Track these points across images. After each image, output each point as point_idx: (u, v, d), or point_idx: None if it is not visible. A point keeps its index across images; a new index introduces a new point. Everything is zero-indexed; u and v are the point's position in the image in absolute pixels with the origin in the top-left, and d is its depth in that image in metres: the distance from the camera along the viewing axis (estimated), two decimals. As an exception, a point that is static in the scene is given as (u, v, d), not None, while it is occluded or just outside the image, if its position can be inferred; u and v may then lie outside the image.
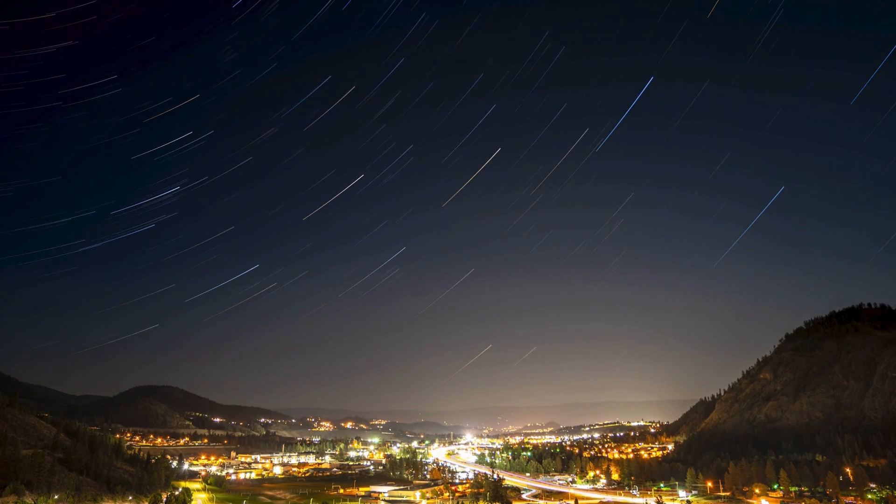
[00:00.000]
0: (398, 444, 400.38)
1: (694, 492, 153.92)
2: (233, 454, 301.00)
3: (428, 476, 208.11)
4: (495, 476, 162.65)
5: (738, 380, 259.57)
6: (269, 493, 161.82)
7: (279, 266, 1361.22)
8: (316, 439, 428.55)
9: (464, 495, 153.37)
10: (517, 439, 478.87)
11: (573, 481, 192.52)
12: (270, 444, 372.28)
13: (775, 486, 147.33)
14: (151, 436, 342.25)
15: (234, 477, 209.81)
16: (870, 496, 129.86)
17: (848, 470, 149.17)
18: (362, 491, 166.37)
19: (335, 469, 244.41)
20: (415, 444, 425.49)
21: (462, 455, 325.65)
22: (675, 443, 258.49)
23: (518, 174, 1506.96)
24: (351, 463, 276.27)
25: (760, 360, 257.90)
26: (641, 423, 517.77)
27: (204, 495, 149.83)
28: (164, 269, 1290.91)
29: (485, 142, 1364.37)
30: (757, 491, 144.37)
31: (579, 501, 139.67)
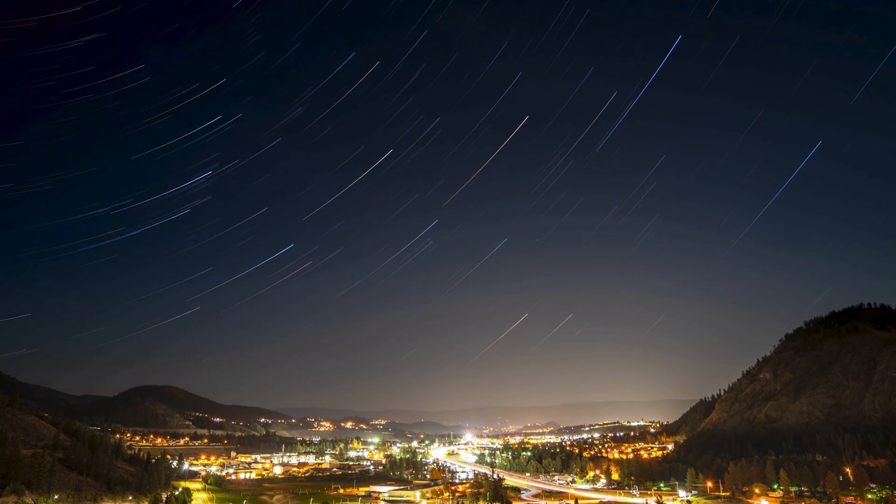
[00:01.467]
0: (398, 444, 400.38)
1: (694, 492, 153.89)
2: (233, 454, 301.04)
3: (428, 476, 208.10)
4: (495, 476, 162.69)
5: (738, 380, 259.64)
6: (266, 493, 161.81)
7: (314, 245, 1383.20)
8: (316, 439, 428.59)
9: (464, 495, 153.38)
10: (517, 439, 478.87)
11: (573, 481, 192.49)
12: (270, 444, 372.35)
13: (775, 486, 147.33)
14: (151, 436, 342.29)
15: (234, 477, 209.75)
16: (870, 496, 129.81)
17: (848, 470, 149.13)
18: (362, 491, 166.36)
19: (335, 469, 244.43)
20: (415, 444, 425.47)
21: (462, 455, 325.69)
22: (675, 443, 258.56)
23: (547, 141, 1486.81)
24: (351, 463, 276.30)
25: (760, 360, 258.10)
26: (641, 423, 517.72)
27: (204, 495, 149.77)
28: (201, 252, 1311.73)
29: (512, 110, 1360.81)
30: (757, 491, 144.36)
31: (579, 501, 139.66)
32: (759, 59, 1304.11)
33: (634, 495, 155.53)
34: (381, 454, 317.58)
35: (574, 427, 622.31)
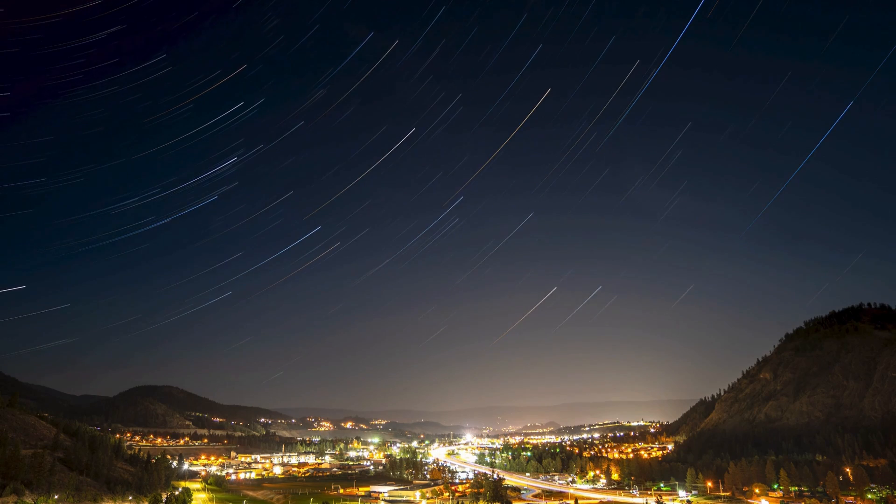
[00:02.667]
0: (398, 444, 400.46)
1: (694, 492, 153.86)
2: (233, 454, 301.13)
3: (428, 476, 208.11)
4: (495, 476, 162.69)
5: (738, 380, 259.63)
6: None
7: (341, 226, 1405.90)
8: (316, 439, 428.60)
9: (464, 495, 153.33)
10: (517, 439, 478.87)
11: (573, 481, 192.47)
12: (270, 444, 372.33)
13: (775, 486, 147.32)
14: (151, 436, 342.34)
15: (234, 477, 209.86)
16: (870, 496, 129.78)
17: (848, 470, 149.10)
18: (362, 491, 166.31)
19: (335, 469, 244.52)
20: (415, 444, 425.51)
21: (462, 455, 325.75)
22: (675, 443, 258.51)
23: (570, 113, 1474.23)
24: (351, 463, 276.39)
25: (760, 360, 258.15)
26: (641, 423, 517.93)
27: (204, 495, 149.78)
28: (231, 238, 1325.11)
29: (534, 83, 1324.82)
30: (757, 491, 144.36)
31: (579, 501, 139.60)
32: (784, 20, 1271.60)
33: (634, 495, 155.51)
34: (381, 454, 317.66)
35: (574, 427, 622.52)
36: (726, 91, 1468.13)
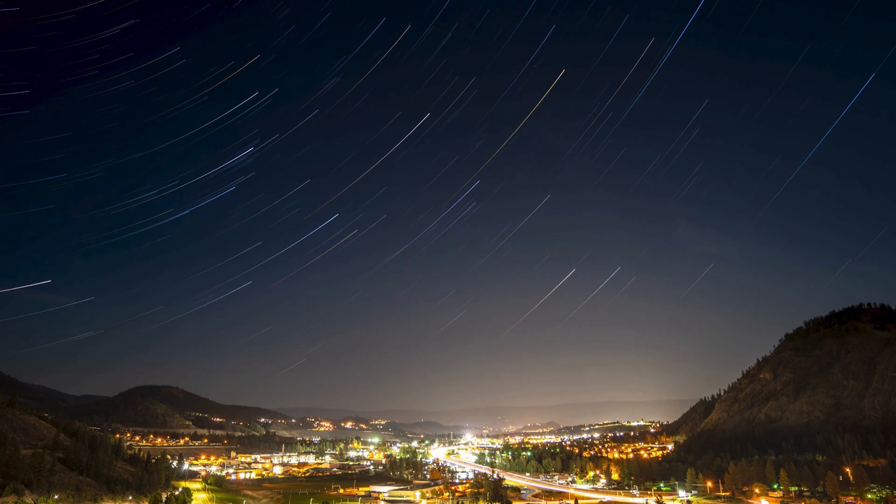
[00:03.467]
0: (398, 444, 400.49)
1: (694, 492, 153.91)
2: (233, 454, 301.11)
3: (428, 476, 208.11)
4: (495, 476, 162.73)
5: (738, 380, 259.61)
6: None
7: (358, 213, 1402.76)
8: (316, 439, 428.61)
9: (464, 495, 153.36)
10: (517, 439, 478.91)
11: (573, 481, 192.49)
12: (270, 444, 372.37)
13: (775, 486, 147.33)
14: (151, 436, 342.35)
15: (233, 477, 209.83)
16: (870, 496, 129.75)
17: (848, 470, 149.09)
18: (362, 491, 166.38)
19: (335, 469, 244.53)
20: (415, 444, 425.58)
21: (462, 455, 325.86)
22: (675, 443, 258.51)
23: (585, 94, 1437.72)
24: (351, 463, 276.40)
25: (760, 360, 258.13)
26: (641, 423, 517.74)
27: (204, 495, 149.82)
28: (249, 228, 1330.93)
29: (548, 64, 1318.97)
30: (757, 491, 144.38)
31: (579, 501, 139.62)
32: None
33: (634, 495, 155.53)
34: (381, 454, 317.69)
35: (574, 427, 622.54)
36: (743, 65, 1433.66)
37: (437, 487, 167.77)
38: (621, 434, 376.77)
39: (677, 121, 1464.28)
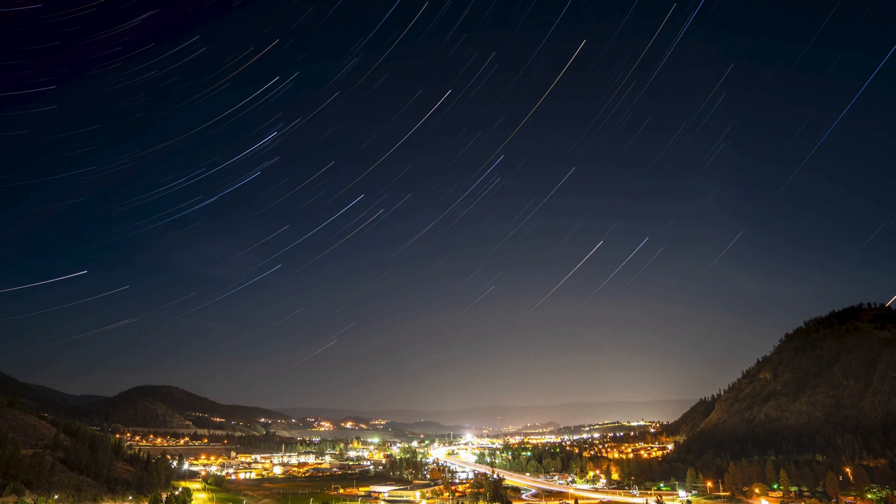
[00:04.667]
0: (398, 444, 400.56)
1: (694, 492, 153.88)
2: (233, 454, 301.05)
3: (428, 476, 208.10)
4: (495, 476, 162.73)
5: (738, 380, 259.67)
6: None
7: (383, 193, 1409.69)
8: (316, 439, 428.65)
9: (464, 495, 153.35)
10: (517, 439, 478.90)
11: (573, 481, 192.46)
12: (270, 443, 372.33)
13: (775, 486, 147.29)
14: (151, 436, 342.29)
15: (234, 477, 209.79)
16: (870, 496, 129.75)
17: (848, 470, 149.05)
18: (362, 491, 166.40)
19: (335, 469, 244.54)
20: (415, 444, 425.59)
21: (462, 455, 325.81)
22: (675, 443, 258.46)
23: (607, 63, 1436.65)
24: (351, 463, 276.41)
25: (760, 360, 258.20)
26: (641, 423, 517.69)
27: (204, 495, 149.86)
28: (277, 211, 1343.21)
29: (568, 35, 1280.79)
30: (757, 491, 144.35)
31: (579, 501, 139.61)
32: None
33: (634, 495, 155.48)
34: (381, 454, 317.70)
35: (574, 427, 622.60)
36: (769, 28, 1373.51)
37: (437, 487, 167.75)
38: (621, 434, 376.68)
39: (701, 87, 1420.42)
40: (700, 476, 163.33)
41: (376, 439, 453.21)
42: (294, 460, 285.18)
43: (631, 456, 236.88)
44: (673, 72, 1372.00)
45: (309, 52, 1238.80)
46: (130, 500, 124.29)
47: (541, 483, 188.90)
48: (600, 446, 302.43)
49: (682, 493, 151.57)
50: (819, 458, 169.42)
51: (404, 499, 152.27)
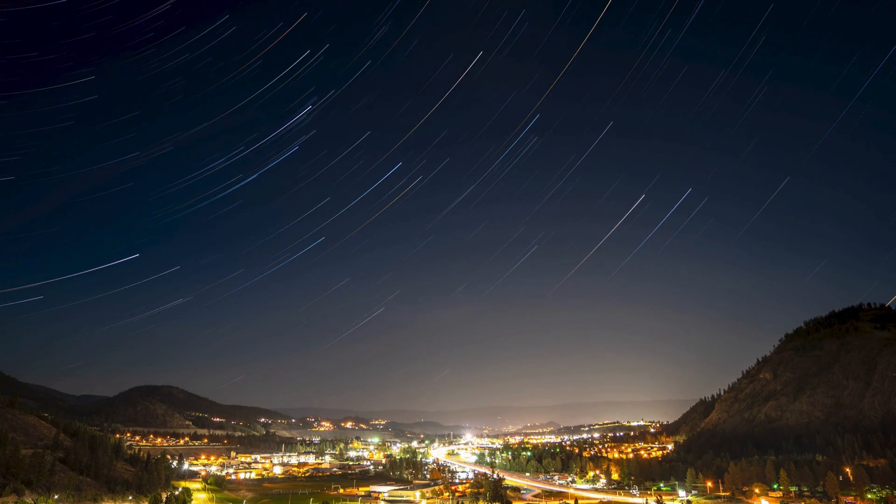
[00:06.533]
0: (398, 444, 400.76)
1: (694, 492, 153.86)
2: (233, 454, 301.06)
3: (428, 476, 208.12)
4: (495, 476, 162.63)
5: (738, 380, 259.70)
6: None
7: (421, 160, 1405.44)
8: (316, 439, 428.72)
9: (464, 495, 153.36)
10: (517, 439, 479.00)
11: (573, 481, 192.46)
12: (270, 443, 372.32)
13: (775, 486, 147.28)
14: (151, 436, 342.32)
15: (234, 477, 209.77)
16: (870, 496, 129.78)
17: (848, 470, 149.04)
18: (362, 491, 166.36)
19: (335, 469, 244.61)
20: (415, 443, 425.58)
21: (462, 455, 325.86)
22: (675, 443, 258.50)
23: (641, 14, 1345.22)
24: (351, 463, 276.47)
25: (760, 360, 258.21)
26: (641, 423, 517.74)
27: (204, 495, 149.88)
28: (317, 185, 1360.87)
29: None
30: (757, 491, 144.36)
31: (579, 501, 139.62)
32: None
33: (634, 495, 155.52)
34: (381, 454, 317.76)
35: (574, 427, 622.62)
36: None
37: (437, 487, 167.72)
38: (621, 434, 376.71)
39: (740, 31, 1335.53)
40: (700, 476, 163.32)
41: (376, 439, 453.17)
42: (294, 460, 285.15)
43: (631, 456, 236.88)
44: (709, 15, 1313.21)
45: (337, 24, 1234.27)
46: (130, 500, 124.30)
47: (541, 483, 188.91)
48: (600, 446, 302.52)
49: (682, 493, 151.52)
50: (819, 458, 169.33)
51: (404, 499, 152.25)
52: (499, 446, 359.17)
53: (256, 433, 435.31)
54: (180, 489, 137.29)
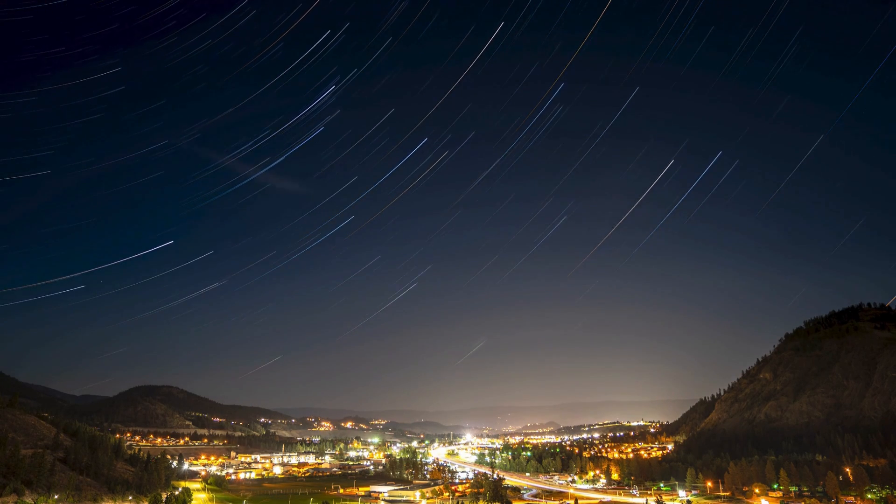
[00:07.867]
0: (398, 444, 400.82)
1: (694, 492, 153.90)
2: (233, 454, 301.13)
3: (428, 476, 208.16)
4: (495, 476, 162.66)
5: (738, 380, 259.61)
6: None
7: (446, 135, 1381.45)
8: (316, 439, 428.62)
9: (464, 495, 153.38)
10: (517, 439, 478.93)
11: (573, 481, 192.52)
12: (270, 443, 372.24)
13: (775, 486, 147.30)
14: (151, 436, 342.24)
15: (234, 477, 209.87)
16: (870, 496, 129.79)
17: (848, 470, 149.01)
18: (362, 491, 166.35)
19: (335, 469, 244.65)
20: (415, 443, 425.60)
21: (462, 455, 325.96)
22: (675, 443, 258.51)
23: None
24: (351, 463, 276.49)
25: (760, 359, 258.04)
26: (641, 423, 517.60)
27: (204, 495, 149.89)
28: (344, 164, 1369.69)
29: None
30: (757, 491, 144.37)
31: (579, 501, 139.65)
32: None
33: (634, 495, 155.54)
34: (381, 454, 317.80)
35: (574, 427, 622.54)
36: None
37: (437, 487, 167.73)
38: (621, 434, 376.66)
39: None
40: (700, 476, 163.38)
41: (376, 439, 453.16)
42: (294, 460, 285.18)
43: (631, 456, 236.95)
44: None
45: (356, 2, 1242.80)
46: (130, 500, 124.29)
47: (541, 483, 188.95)
48: (600, 446, 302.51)
49: (682, 493, 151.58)
50: (819, 458, 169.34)
51: (404, 499, 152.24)
52: (499, 446, 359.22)
53: (256, 433, 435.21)
54: (180, 489, 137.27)
